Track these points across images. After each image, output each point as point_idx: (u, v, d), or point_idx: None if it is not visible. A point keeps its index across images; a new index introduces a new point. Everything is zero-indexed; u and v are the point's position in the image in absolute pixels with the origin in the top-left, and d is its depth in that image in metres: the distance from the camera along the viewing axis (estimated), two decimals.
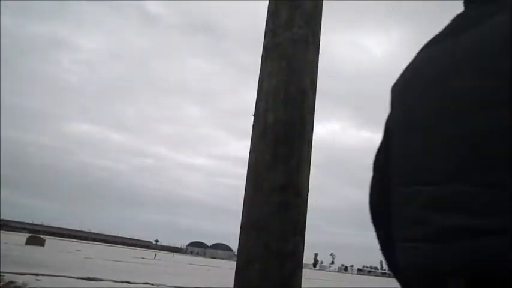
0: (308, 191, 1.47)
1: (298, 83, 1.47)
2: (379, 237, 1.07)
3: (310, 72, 1.52)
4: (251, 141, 1.50)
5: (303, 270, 1.58)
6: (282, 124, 1.43)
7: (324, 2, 1.62)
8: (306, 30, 1.52)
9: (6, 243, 26.57)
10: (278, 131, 1.43)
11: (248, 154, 1.51)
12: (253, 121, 1.52)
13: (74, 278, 10.83)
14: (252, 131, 1.51)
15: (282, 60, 1.49)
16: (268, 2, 1.61)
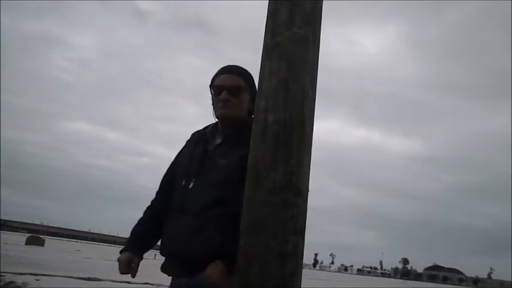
0: (308, 190, 1.47)
1: (298, 83, 1.47)
2: None
3: (310, 72, 1.51)
4: (251, 141, 1.50)
5: (303, 270, 1.59)
6: (282, 124, 1.43)
7: (324, 2, 1.62)
8: (306, 30, 1.52)
9: (6, 243, 26.50)
10: (278, 131, 1.43)
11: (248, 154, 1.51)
12: (253, 121, 1.52)
13: (73, 278, 10.81)
14: (252, 131, 1.51)
15: (282, 60, 1.49)
16: (268, 2, 1.61)
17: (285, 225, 1.37)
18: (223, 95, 1.89)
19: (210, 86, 2.00)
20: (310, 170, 1.50)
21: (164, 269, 1.95)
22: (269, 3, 1.60)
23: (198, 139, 2.00)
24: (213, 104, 1.97)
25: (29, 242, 35.26)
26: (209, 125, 2.05)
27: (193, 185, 1.85)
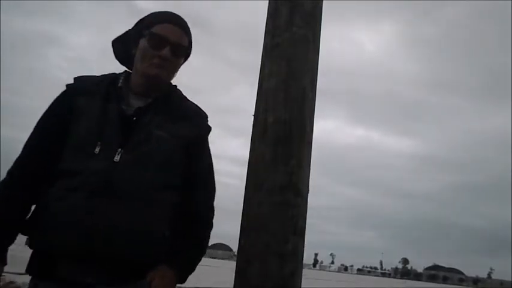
0: (308, 191, 1.47)
1: (298, 83, 1.48)
2: None
3: (310, 72, 1.52)
4: (251, 141, 1.50)
5: (303, 270, 1.58)
6: (282, 124, 1.43)
7: (324, 2, 1.62)
8: (306, 30, 1.52)
9: None
10: (278, 131, 1.43)
11: (248, 154, 1.51)
12: (253, 121, 1.52)
13: None
14: (252, 131, 1.51)
15: (282, 60, 1.49)
16: (268, 2, 1.61)
17: (285, 225, 1.37)
18: (166, 51, 1.45)
19: (141, 28, 1.49)
20: (310, 170, 1.50)
21: (50, 271, 1.31)
22: (269, 3, 1.60)
23: (105, 92, 1.45)
24: (143, 55, 1.45)
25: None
26: (116, 76, 1.51)
27: (121, 158, 1.35)
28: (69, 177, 1.32)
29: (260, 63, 1.55)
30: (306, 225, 1.45)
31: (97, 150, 1.34)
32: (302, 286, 1.45)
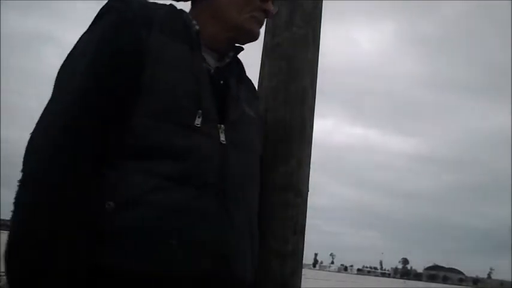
0: (308, 191, 1.47)
1: (298, 83, 1.47)
2: None
3: (310, 72, 1.52)
4: None
5: (303, 270, 1.58)
6: (282, 124, 1.43)
7: (324, 2, 1.62)
8: (306, 30, 1.52)
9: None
10: (278, 131, 1.43)
11: None
12: None
13: None
14: None
15: (282, 60, 1.49)
16: None
17: (285, 225, 1.37)
18: (271, 5, 1.08)
19: None
20: (310, 169, 1.50)
21: None
22: None
23: (185, 35, 0.96)
24: (244, 2, 1.04)
25: None
26: (179, 13, 1.01)
27: (227, 140, 0.94)
28: (158, 159, 0.84)
29: (260, 62, 1.55)
30: (306, 225, 1.45)
31: (198, 122, 0.88)
32: (302, 286, 1.45)
